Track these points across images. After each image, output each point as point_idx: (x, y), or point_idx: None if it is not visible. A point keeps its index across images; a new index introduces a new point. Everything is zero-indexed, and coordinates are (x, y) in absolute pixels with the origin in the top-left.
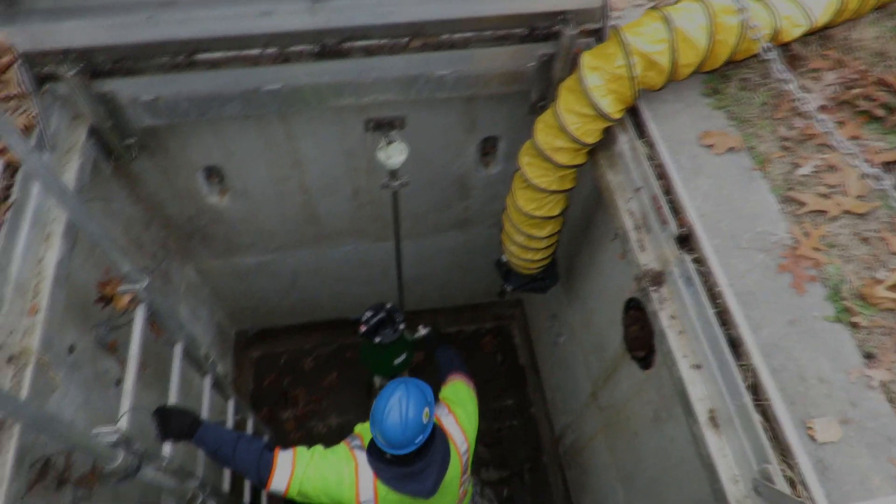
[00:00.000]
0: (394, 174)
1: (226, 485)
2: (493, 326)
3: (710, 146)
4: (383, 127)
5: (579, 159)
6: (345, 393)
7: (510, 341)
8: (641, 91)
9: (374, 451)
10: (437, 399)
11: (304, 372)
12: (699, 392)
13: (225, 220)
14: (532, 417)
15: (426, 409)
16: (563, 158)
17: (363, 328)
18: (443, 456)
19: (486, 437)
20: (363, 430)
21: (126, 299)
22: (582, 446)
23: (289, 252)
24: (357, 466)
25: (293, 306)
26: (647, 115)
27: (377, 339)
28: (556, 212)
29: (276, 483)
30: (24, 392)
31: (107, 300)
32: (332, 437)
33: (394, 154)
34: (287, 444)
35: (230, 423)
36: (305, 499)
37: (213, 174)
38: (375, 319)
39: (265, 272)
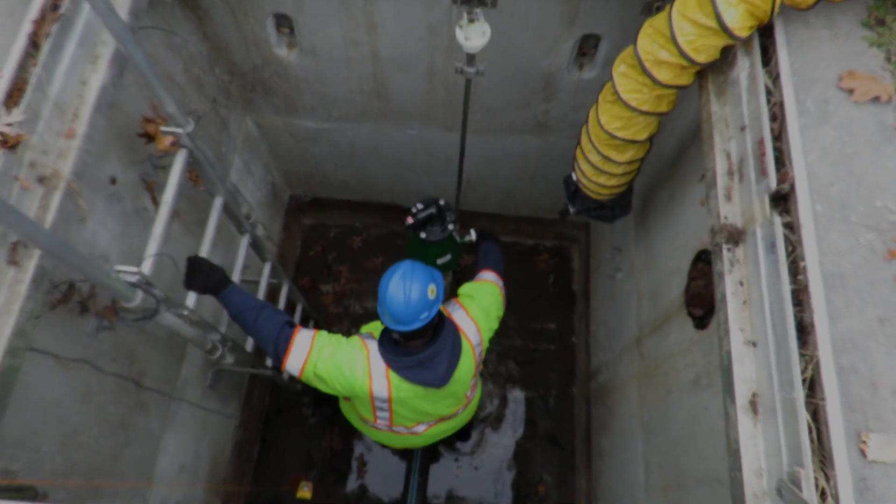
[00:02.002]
0: (471, 59)
1: (249, 345)
2: (552, 245)
3: (850, 91)
4: (472, 1)
5: (684, 79)
6: None
7: (567, 264)
8: (783, 7)
9: (384, 340)
10: (455, 296)
11: (350, 249)
12: (746, 372)
13: (289, 76)
14: (571, 346)
15: (431, 286)
16: (664, 75)
17: (410, 220)
18: (453, 344)
19: (520, 356)
20: (372, 328)
21: (167, 141)
22: (613, 388)
23: (350, 124)
24: (369, 355)
25: (347, 181)
26: (780, 38)
27: (423, 235)
28: (643, 136)
29: (292, 362)
30: (51, 216)
31: (149, 138)
32: (366, 320)
33: (473, 35)
34: (324, 316)
35: (263, 286)
36: (320, 383)
37: (283, 24)
38: (425, 213)
39: (324, 140)
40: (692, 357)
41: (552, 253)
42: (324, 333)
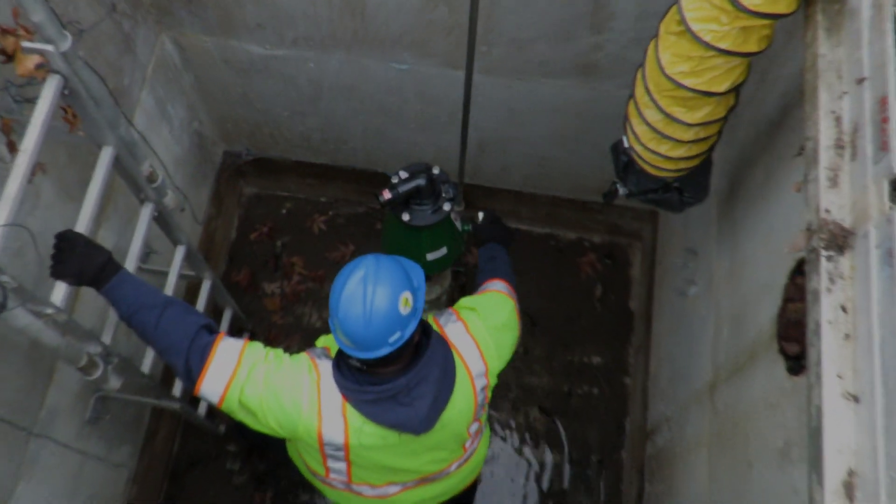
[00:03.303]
0: None
1: (146, 364)
2: (602, 242)
3: None
4: None
5: (781, 5)
6: None
7: (623, 270)
8: None
9: (341, 362)
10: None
11: (309, 234)
12: (841, 438)
13: None
14: (623, 391)
15: (405, 294)
16: None
17: (387, 194)
18: (443, 370)
19: (549, 401)
20: (330, 341)
21: (30, 63)
22: (676, 454)
23: (313, 52)
24: (320, 381)
25: (309, 135)
26: None
27: (406, 217)
28: (723, 86)
29: (210, 384)
30: None
31: (7, 56)
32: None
33: None
34: (266, 328)
35: (172, 281)
36: (248, 416)
37: None
38: (409, 186)
39: (276, 74)
40: (782, 415)
41: (602, 253)
42: (257, 345)
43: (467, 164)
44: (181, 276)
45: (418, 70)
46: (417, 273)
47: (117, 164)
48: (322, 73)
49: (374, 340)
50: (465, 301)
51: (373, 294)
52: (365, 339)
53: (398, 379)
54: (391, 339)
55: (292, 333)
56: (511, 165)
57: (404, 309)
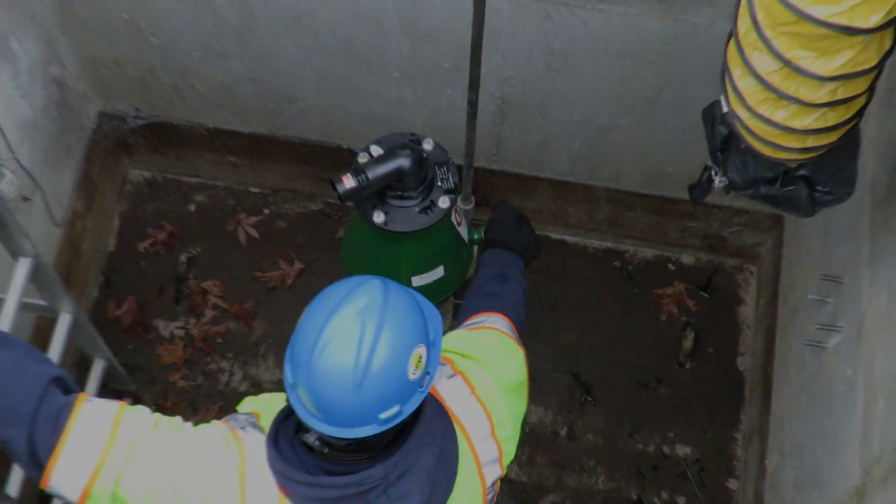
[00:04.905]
0: None
1: None
2: (697, 263)
3: None
4: None
5: None
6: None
7: (729, 310)
8: None
9: (282, 436)
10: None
11: (233, 243)
12: None
13: None
14: (726, 499)
15: (419, 351)
16: None
17: (349, 182)
18: (441, 456)
19: None
20: (262, 404)
21: None
22: None
23: None
24: (244, 465)
25: (235, 88)
26: None
27: (378, 218)
28: (872, 19)
29: (68, 468)
30: None
31: None
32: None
33: None
34: (161, 392)
35: (10, 313)
36: None
37: None
38: (386, 169)
39: None
40: None
41: (696, 281)
42: (141, 410)
43: (481, 137)
44: (24, 307)
45: None
46: (434, 317)
47: None
48: None
49: (360, 413)
50: (456, 342)
51: (374, 339)
52: (345, 410)
53: (373, 468)
54: (384, 416)
55: (202, 403)
56: (551, 140)
57: (414, 372)
